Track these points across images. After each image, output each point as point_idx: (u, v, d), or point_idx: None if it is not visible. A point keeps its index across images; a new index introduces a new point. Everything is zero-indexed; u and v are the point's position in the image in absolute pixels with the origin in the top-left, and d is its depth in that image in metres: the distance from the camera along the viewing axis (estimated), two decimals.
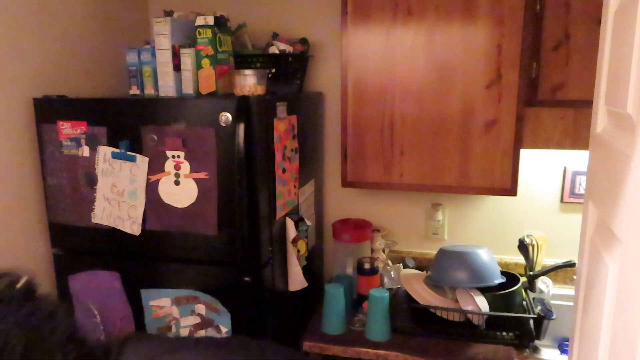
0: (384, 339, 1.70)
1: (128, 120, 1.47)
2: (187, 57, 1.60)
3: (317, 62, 2.11)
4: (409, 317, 1.81)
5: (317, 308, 1.96)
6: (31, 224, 1.61)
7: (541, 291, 1.84)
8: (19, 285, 0.50)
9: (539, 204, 2.00)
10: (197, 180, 1.44)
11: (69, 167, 1.55)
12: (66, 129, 1.52)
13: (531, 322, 1.68)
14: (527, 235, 1.88)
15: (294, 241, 1.65)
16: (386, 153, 1.79)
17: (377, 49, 1.73)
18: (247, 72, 1.49)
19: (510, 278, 1.85)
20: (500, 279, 1.72)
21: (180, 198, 1.47)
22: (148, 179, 1.48)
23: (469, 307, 1.67)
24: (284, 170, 1.59)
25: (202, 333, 1.51)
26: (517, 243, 1.94)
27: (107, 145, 1.50)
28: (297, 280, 1.68)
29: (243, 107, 1.37)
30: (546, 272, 1.83)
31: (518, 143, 1.67)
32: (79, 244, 1.60)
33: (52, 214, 1.60)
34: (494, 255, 1.81)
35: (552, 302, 1.89)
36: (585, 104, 1.63)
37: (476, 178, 1.73)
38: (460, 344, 1.67)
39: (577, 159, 1.93)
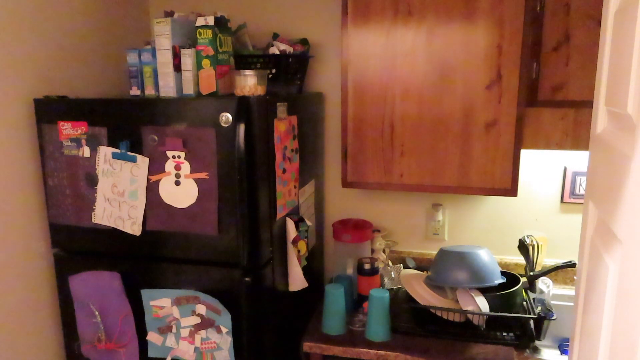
0: (384, 340, 1.70)
1: (128, 121, 1.47)
2: (188, 58, 1.60)
3: (318, 63, 2.11)
4: (409, 317, 1.81)
5: (317, 308, 1.96)
6: (31, 224, 1.61)
7: (541, 291, 1.84)
8: None
9: (539, 205, 2.01)
10: (197, 181, 1.44)
11: (70, 167, 1.55)
12: (67, 129, 1.53)
13: (531, 322, 1.68)
14: (528, 236, 1.88)
15: (294, 241, 1.65)
16: (386, 153, 1.79)
17: (377, 49, 1.73)
18: (248, 72, 1.49)
19: (511, 278, 1.85)
20: (500, 280, 1.72)
21: (180, 198, 1.47)
22: (148, 180, 1.48)
23: (469, 308, 1.67)
24: (284, 171, 1.59)
25: (202, 333, 1.51)
26: (517, 243, 1.94)
27: (108, 146, 1.50)
28: (297, 281, 1.68)
29: (243, 107, 1.37)
30: (546, 272, 1.83)
31: (518, 143, 1.67)
32: (79, 244, 1.60)
33: (52, 214, 1.60)
34: (494, 256, 1.81)
35: (553, 302, 1.90)
36: (585, 104, 1.63)
37: (476, 178, 1.73)
38: (461, 345, 1.67)
39: (577, 160, 1.93)
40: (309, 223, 1.77)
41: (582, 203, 1.96)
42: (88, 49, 1.85)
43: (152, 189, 1.49)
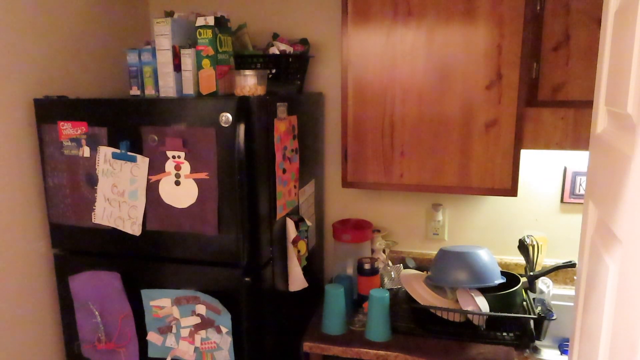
0: (384, 340, 1.70)
1: (128, 121, 1.47)
2: (188, 58, 1.60)
3: (318, 63, 2.11)
4: (409, 317, 1.81)
5: (317, 308, 1.97)
6: (31, 224, 1.61)
7: (541, 291, 1.84)
8: None
9: (539, 205, 2.01)
10: (197, 181, 1.44)
11: (70, 167, 1.55)
12: (67, 129, 1.53)
13: (531, 322, 1.68)
14: (528, 236, 1.88)
15: (294, 241, 1.65)
16: (386, 153, 1.79)
17: (377, 49, 1.73)
18: (248, 72, 1.49)
19: (511, 278, 1.85)
20: (500, 280, 1.72)
21: (180, 198, 1.47)
22: (148, 180, 1.48)
23: (469, 308, 1.67)
24: (284, 171, 1.59)
25: (202, 333, 1.51)
26: (517, 243, 1.94)
27: (108, 146, 1.50)
28: (297, 281, 1.68)
29: (243, 107, 1.37)
30: (546, 272, 1.82)
31: (518, 143, 1.67)
32: (79, 244, 1.60)
33: (52, 214, 1.60)
34: (494, 256, 1.81)
35: (553, 302, 1.90)
36: (586, 104, 1.63)
37: (476, 178, 1.73)
38: (461, 345, 1.67)
39: (577, 160, 1.93)
40: (309, 223, 1.77)
41: (582, 203, 1.96)
42: (88, 49, 1.85)
43: (152, 189, 1.49)
